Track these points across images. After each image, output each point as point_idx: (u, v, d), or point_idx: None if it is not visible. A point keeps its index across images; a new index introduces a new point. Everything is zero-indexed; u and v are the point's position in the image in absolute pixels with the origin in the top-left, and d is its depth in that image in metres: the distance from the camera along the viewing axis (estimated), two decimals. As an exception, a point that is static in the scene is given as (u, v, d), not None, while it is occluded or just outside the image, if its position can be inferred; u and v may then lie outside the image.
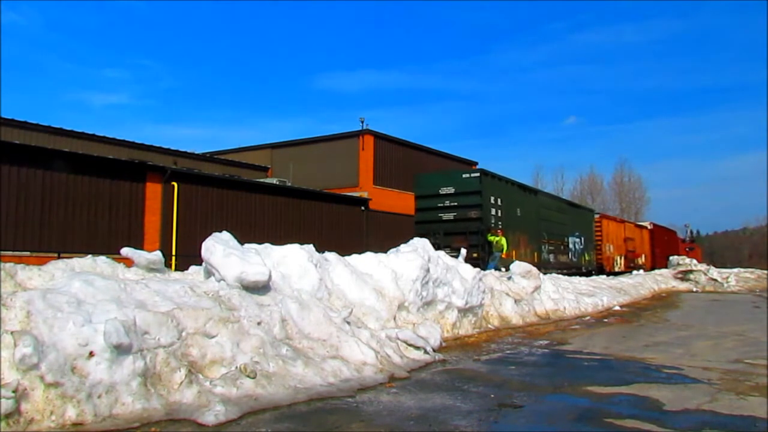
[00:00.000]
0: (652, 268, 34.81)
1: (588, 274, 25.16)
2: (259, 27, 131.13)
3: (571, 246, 25.06)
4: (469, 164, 30.02)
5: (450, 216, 17.50)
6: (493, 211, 17.80)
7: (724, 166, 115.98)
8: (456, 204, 17.49)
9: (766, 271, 38.54)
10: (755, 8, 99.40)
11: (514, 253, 18.01)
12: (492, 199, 17.83)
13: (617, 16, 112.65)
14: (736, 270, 36.58)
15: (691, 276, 30.75)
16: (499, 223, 17.98)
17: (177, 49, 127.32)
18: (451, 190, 17.68)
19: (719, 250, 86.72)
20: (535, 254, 20.64)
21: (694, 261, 34.05)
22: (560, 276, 19.18)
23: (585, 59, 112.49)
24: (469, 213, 17.12)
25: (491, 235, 16.58)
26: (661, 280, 28.46)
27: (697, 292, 27.42)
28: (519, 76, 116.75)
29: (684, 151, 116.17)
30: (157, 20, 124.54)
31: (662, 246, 40.97)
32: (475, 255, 15.70)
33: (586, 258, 27.02)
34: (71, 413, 3.88)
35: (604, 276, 25.61)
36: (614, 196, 66.24)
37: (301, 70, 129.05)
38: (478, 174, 17.77)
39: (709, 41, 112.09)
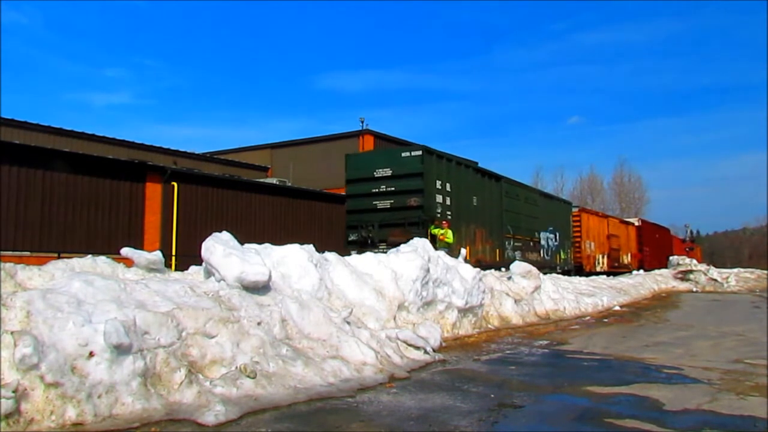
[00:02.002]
0: (640, 269, 32.47)
1: (565, 274, 22.26)
2: (260, 27, 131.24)
3: (543, 242, 22.18)
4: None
5: (386, 204, 14.74)
6: (440, 199, 15.03)
7: (724, 166, 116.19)
8: (393, 189, 14.68)
9: (766, 271, 38.57)
10: (756, 8, 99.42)
11: (468, 249, 15.17)
12: (438, 183, 15.06)
13: (619, 16, 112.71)
14: (736, 270, 36.61)
15: (691, 276, 30.77)
16: (448, 213, 15.32)
17: (178, 49, 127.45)
18: (387, 172, 14.83)
19: (719, 250, 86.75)
20: (497, 251, 18.15)
21: (694, 261, 34.10)
22: (560, 276, 19.18)
23: (586, 59, 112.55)
24: (409, 200, 14.35)
25: (435, 228, 14.13)
26: (661, 280, 28.47)
27: (697, 292, 27.42)
28: (520, 75, 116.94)
29: (684, 151, 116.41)
30: (158, 20, 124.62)
31: (653, 244, 38.26)
32: None
33: (562, 256, 24.19)
34: (71, 413, 3.88)
35: (604, 276, 25.58)
36: (614, 196, 66.25)
37: (301, 69, 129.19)
38: (419, 152, 14.63)
39: (710, 41, 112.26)
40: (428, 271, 9.01)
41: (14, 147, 15.09)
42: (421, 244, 9.64)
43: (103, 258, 7.12)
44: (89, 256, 7.16)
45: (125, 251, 7.35)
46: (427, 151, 14.80)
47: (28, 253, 14.21)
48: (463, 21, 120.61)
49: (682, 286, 29.13)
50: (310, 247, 7.81)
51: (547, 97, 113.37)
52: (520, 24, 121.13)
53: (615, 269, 29.57)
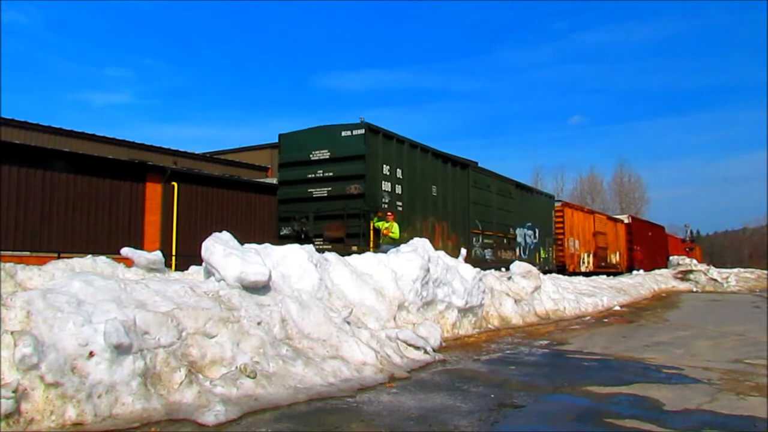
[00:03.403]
0: (629, 269, 31.39)
1: (545, 274, 19.83)
2: (261, 26, 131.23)
3: (519, 239, 20.12)
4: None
5: (323, 192, 12.78)
6: (387, 186, 12.95)
7: (724, 166, 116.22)
8: (331, 174, 12.72)
9: (766, 271, 38.63)
10: (756, 8, 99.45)
11: None
12: (386, 168, 13.02)
13: (620, 15, 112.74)
14: (736, 270, 36.67)
15: (691, 276, 30.79)
16: (398, 203, 13.29)
17: (179, 49, 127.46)
18: (325, 154, 12.83)
19: (719, 250, 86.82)
20: (462, 249, 15.98)
21: (694, 261, 34.13)
22: (560, 276, 19.15)
23: (587, 59, 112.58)
24: (349, 187, 12.37)
25: (378, 221, 12.23)
26: (661, 280, 28.48)
27: (697, 292, 27.44)
28: (521, 75, 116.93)
29: (684, 151, 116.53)
30: (159, 19, 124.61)
31: (644, 243, 35.98)
32: (354, 248, 11.64)
33: (542, 255, 22.10)
34: (71, 413, 3.88)
35: (604, 276, 25.56)
36: (614, 196, 66.32)
37: (302, 69, 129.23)
38: (362, 130, 12.51)
39: (711, 41, 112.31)
40: (428, 271, 9.01)
41: (14, 147, 15.09)
42: (421, 244, 9.63)
43: (103, 258, 7.14)
44: (89, 256, 7.18)
45: (125, 251, 7.36)
46: (372, 129, 12.70)
47: (28, 253, 14.22)
48: (464, 20, 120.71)
49: (682, 286, 29.14)
50: (310, 247, 7.82)
51: (548, 96, 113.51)
52: (522, 23, 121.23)
53: (602, 269, 27.76)
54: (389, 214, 12.36)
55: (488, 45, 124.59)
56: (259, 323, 5.65)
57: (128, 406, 4.14)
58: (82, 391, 3.99)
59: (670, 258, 35.79)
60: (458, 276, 9.86)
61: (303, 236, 12.32)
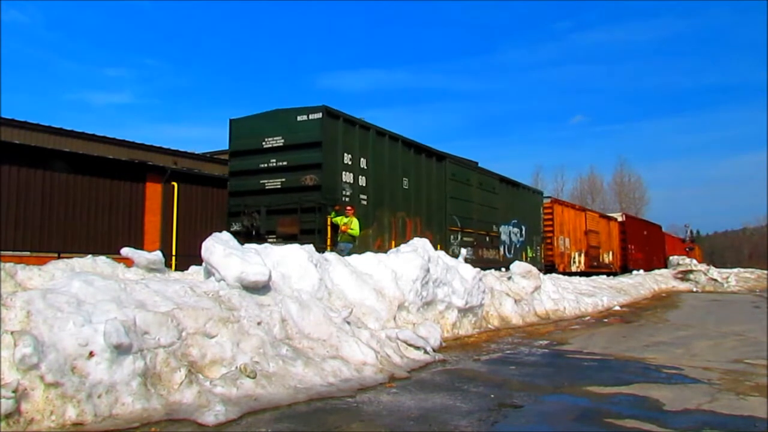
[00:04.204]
0: (623, 269, 30.71)
1: None
2: (261, 26, 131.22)
3: (504, 237, 18.97)
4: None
5: (276, 183, 11.62)
6: (348, 177, 11.81)
7: (724, 166, 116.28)
8: (286, 164, 11.51)
9: (766, 271, 38.64)
10: (756, 8, 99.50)
11: (393, 243, 12.33)
12: (348, 158, 11.83)
13: (620, 15, 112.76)
14: (736, 270, 36.69)
15: (691, 276, 30.80)
16: (362, 197, 12.09)
17: (179, 49, 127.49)
18: (279, 141, 11.63)
19: (719, 250, 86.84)
20: (438, 247, 14.03)
21: (694, 261, 34.14)
22: (560, 276, 19.15)
23: (588, 59, 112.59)
24: (304, 178, 11.22)
25: (337, 215, 11.08)
26: (661, 280, 28.49)
27: (697, 292, 27.44)
28: (522, 75, 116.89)
29: (684, 151, 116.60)
30: (159, 19, 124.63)
31: (639, 242, 34.88)
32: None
33: (529, 254, 20.90)
34: (71, 413, 3.88)
35: (604, 276, 25.54)
36: (614, 196, 66.34)
37: (302, 69, 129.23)
38: (319, 114, 11.26)
39: (711, 41, 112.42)
40: (428, 271, 9.02)
41: (14, 147, 15.09)
42: (421, 244, 9.64)
43: (103, 258, 7.13)
44: (89, 256, 7.17)
45: (125, 251, 7.36)
46: (330, 113, 11.46)
47: (28, 253, 14.22)
48: (465, 20, 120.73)
49: (683, 286, 29.15)
50: (310, 247, 7.82)
51: (548, 96, 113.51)
52: (523, 23, 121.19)
53: (594, 269, 26.75)
54: (348, 208, 11.17)
55: (489, 45, 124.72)
56: (259, 323, 5.65)
57: (128, 406, 4.14)
58: (82, 391, 3.99)
59: (670, 258, 35.77)
60: (458, 276, 9.86)
61: (254, 233, 11.35)
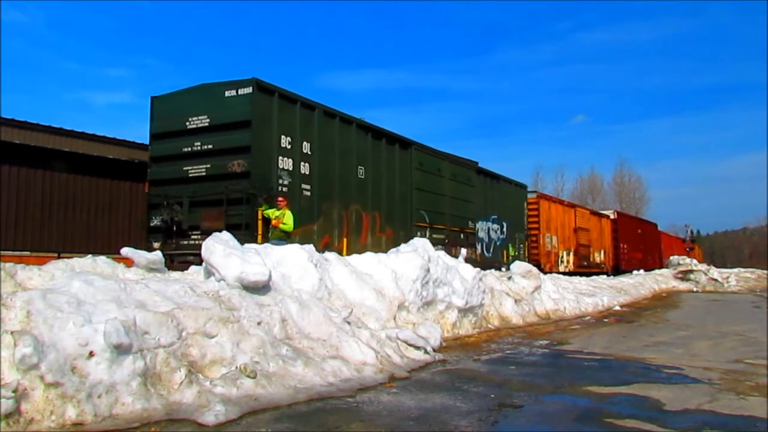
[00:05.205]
0: (615, 269, 29.79)
1: None
2: (261, 26, 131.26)
3: (482, 235, 17.52)
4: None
5: (201, 170, 10.11)
6: (287, 164, 10.26)
7: (724, 166, 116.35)
8: (211, 147, 10.03)
9: (766, 271, 38.62)
10: (756, 8, 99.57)
11: (345, 240, 11.25)
12: (285, 140, 10.27)
13: (620, 15, 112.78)
14: (736, 270, 36.68)
15: (692, 276, 30.79)
16: (305, 187, 10.64)
17: (180, 48, 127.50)
18: (204, 121, 10.12)
19: (719, 250, 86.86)
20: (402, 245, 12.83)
21: (695, 261, 34.09)
22: (560, 276, 19.14)
23: (588, 59, 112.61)
24: (231, 164, 9.77)
25: (268, 208, 9.66)
26: (662, 280, 28.48)
27: (697, 292, 27.44)
28: (523, 75, 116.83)
29: (684, 151, 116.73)
30: (160, 19, 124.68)
31: (633, 241, 33.76)
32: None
33: (511, 253, 19.48)
34: (71, 413, 3.88)
35: (605, 276, 25.51)
36: (614, 196, 66.40)
37: (302, 69, 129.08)
38: (249, 89, 9.79)
39: (712, 41, 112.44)
40: (428, 271, 9.02)
41: (14, 147, 15.09)
42: (421, 244, 9.64)
43: (103, 258, 7.14)
44: (89, 256, 7.17)
45: (125, 251, 7.36)
46: (263, 87, 9.96)
47: (28, 253, 14.21)
48: (466, 20, 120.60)
49: (683, 286, 29.14)
50: (310, 247, 7.82)
51: (548, 96, 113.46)
52: (524, 23, 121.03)
53: (584, 269, 25.36)
54: (279, 199, 9.67)
55: (489, 45, 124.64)
56: (259, 323, 5.65)
57: (128, 406, 4.14)
58: (82, 391, 3.99)
59: (671, 258, 35.70)
60: (458, 276, 9.86)
61: (175, 228, 10.06)
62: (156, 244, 9.81)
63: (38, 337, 4.10)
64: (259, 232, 9.63)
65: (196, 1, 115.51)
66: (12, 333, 4.03)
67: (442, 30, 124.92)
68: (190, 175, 10.21)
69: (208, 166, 10.03)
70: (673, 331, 10.95)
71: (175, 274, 7.39)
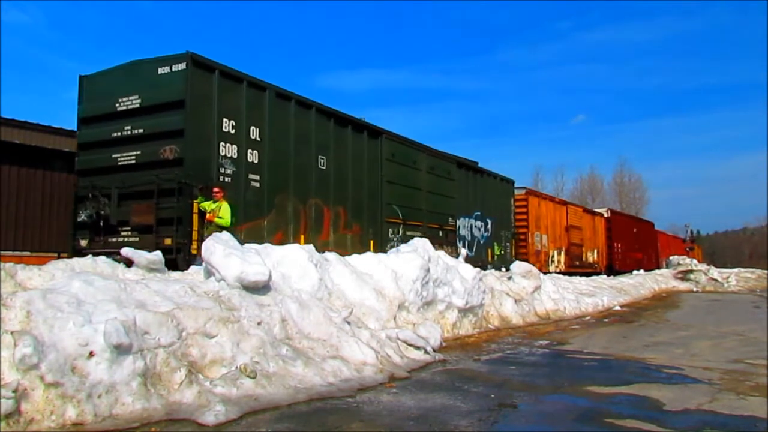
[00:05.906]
0: (608, 269, 28.93)
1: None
2: (261, 26, 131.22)
3: (463, 232, 16.36)
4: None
5: (131, 157, 9.04)
6: (230, 150, 9.22)
7: (724, 166, 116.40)
8: (142, 132, 8.96)
9: (766, 271, 38.60)
10: (756, 8, 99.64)
11: (301, 238, 10.21)
12: (228, 124, 9.20)
13: (620, 15, 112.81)
14: (736, 270, 36.65)
15: (692, 276, 30.78)
16: (252, 177, 9.60)
17: (180, 48, 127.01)
18: (135, 102, 9.07)
19: (719, 250, 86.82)
20: (371, 243, 12.24)
21: (695, 261, 34.09)
22: (560, 276, 19.13)
23: (588, 58, 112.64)
24: (162, 150, 8.69)
25: (204, 201, 8.63)
26: (662, 280, 28.48)
27: (697, 292, 27.44)
28: (523, 75, 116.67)
29: (684, 151, 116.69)
30: (160, 19, 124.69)
31: (627, 240, 32.61)
32: (167, 241, 8.39)
33: (496, 252, 18.37)
34: (71, 413, 3.88)
35: (605, 276, 25.50)
36: (614, 196, 66.37)
37: (302, 69, 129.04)
38: (183, 65, 8.72)
39: (712, 41, 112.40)
40: (428, 271, 9.02)
41: (14, 147, 15.10)
42: (421, 244, 9.64)
43: (103, 258, 7.14)
44: (89, 255, 7.17)
45: (125, 251, 7.36)
46: (200, 63, 8.87)
47: (28, 253, 14.22)
48: (466, 20, 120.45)
49: (683, 286, 29.14)
50: (310, 247, 7.82)
51: (549, 96, 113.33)
52: (524, 23, 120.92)
53: (576, 269, 24.19)
54: (215, 190, 8.61)
55: (489, 44, 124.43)
56: (259, 323, 5.65)
57: (128, 406, 4.14)
58: (82, 391, 3.99)
59: (671, 258, 35.69)
60: (458, 276, 9.86)
61: (102, 223, 9.07)
62: (83, 242, 9.13)
63: (38, 337, 4.10)
64: (194, 227, 8.56)
65: (196, 1, 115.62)
66: (12, 333, 4.03)
67: (443, 30, 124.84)
68: (120, 163, 9.13)
69: (139, 152, 8.96)
70: (673, 331, 10.95)
71: (175, 274, 7.39)
